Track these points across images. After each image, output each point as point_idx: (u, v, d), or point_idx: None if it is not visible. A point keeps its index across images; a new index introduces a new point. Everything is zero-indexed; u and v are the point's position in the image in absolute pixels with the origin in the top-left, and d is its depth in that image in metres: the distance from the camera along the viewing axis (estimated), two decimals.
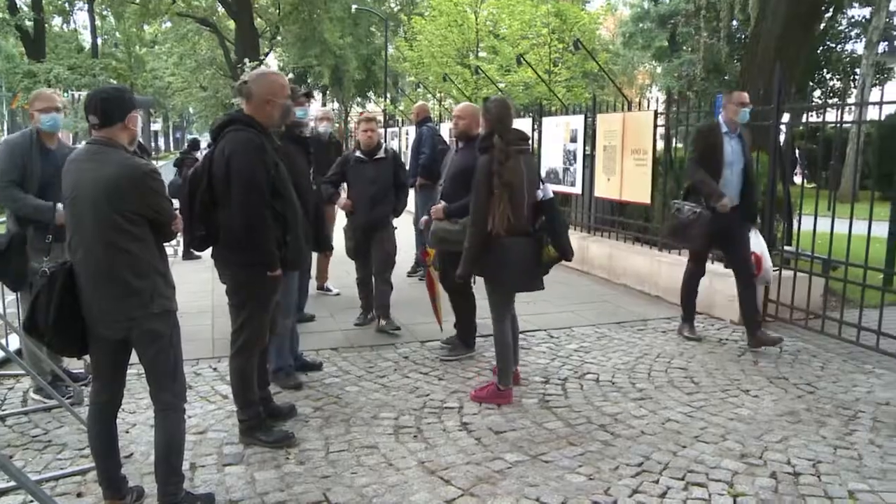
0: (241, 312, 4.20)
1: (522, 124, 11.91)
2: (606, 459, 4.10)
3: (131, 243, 3.22)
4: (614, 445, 4.29)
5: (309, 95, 5.92)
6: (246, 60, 22.54)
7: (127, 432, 4.40)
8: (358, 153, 6.71)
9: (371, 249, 6.69)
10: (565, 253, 4.88)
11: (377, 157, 6.68)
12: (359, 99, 50.23)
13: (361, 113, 8.68)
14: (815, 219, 7.24)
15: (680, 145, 10.05)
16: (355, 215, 6.68)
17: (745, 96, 6.45)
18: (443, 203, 5.64)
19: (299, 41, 39.02)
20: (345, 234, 6.82)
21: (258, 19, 37.59)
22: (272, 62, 43.20)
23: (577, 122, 10.35)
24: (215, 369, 5.64)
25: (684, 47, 31.18)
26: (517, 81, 21.65)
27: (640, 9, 35.22)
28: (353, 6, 39.10)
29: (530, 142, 5.72)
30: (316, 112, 8.34)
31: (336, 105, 49.22)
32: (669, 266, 8.31)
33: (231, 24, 36.96)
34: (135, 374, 4.73)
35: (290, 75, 39.19)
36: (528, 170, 4.87)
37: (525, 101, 20.09)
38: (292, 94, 4.72)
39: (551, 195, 4.95)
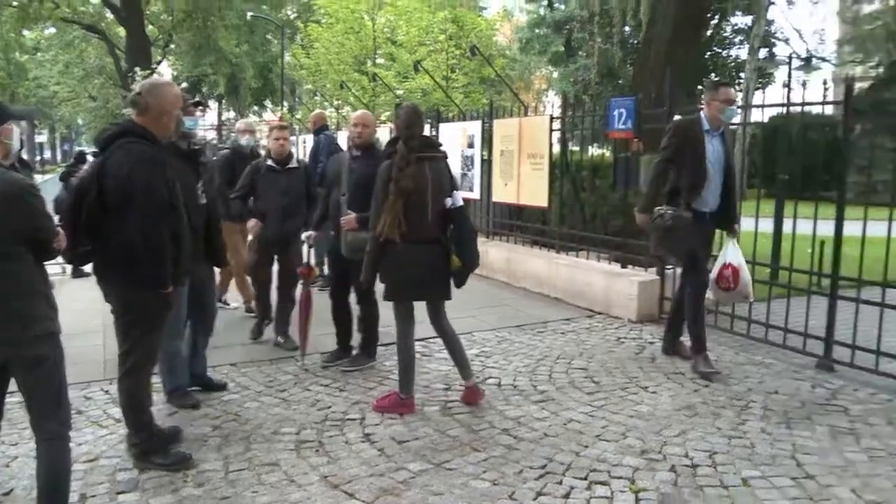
0: (130, 333, 4.02)
1: None
2: (510, 463, 4.11)
3: (9, 263, 3.05)
4: (518, 449, 4.30)
5: (199, 104, 5.70)
6: (137, 69, 21.84)
7: (7, 466, 4.14)
8: (270, 162, 6.47)
9: (277, 263, 6.54)
10: (469, 263, 4.84)
11: (290, 166, 6.49)
12: (255, 108, 49.39)
13: (281, 118, 8.51)
14: None
15: (576, 148, 10.22)
16: (265, 227, 6.40)
17: (732, 93, 5.85)
18: (352, 214, 5.54)
19: (193, 49, 38.03)
20: (248, 247, 6.64)
21: (150, 26, 36.40)
22: (165, 71, 42.08)
23: (474, 127, 10.42)
24: (107, 392, 5.39)
25: (579, 52, 31.78)
26: (415, 88, 21.66)
27: (536, 15, 35.72)
28: (249, 14, 38.40)
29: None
30: (238, 125, 8.14)
31: (232, 114, 48.30)
32: (567, 268, 8.45)
33: (121, 30, 35.72)
34: (16, 403, 4.47)
35: (185, 84, 38.31)
36: (435, 177, 4.80)
37: (423, 107, 20.10)
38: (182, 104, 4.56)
39: (461, 203, 4.93)
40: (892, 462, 4.19)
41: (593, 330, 7.15)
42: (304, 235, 6.09)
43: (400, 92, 20.48)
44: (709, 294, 5.98)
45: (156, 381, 4.69)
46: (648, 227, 5.90)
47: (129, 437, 4.20)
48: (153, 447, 4.14)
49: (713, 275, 5.94)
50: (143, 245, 3.74)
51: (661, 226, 5.73)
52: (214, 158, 7.19)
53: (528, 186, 9.07)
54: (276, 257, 6.57)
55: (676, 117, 6.60)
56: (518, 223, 10.10)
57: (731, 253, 5.94)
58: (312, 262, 6.18)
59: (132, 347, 4.02)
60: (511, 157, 9.29)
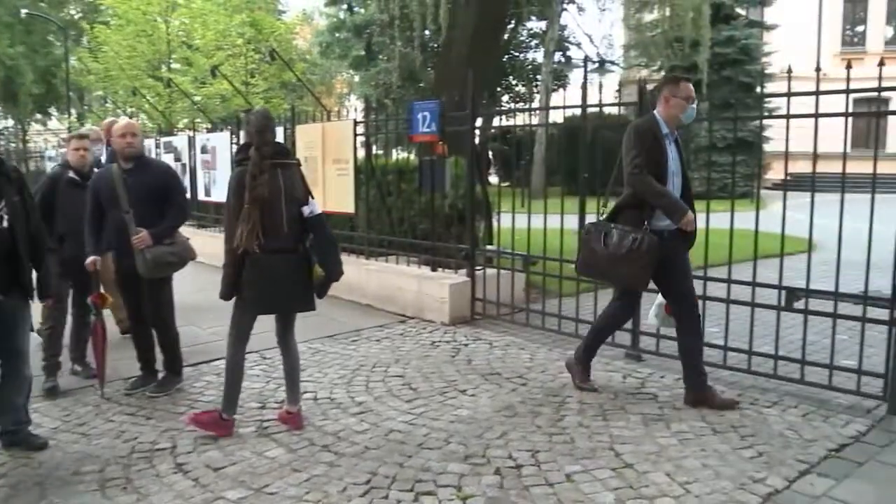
0: None
1: (220, 138, 11.47)
2: (333, 482, 3.92)
3: None
4: (340, 465, 4.13)
5: None
6: None
7: None
8: (71, 174, 5.70)
9: (72, 288, 5.87)
10: (331, 272, 4.61)
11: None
12: (39, 115, 45.97)
13: (69, 128, 7.67)
14: (513, 217, 7.60)
15: (380, 152, 10.15)
16: (63, 248, 5.50)
17: (692, 89, 5.07)
18: (143, 230, 5.12)
19: None
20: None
21: None
22: None
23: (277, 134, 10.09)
24: None
25: (381, 56, 31.91)
26: (213, 94, 20.96)
27: (336, 19, 35.58)
28: (24, 11, 35.61)
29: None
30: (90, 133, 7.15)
31: (10, 122, 44.71)
32: (377, 274, 8.36)
33: None
34: None
35: None
36: (289, 184, 4.54)
37: (222, 114, 19.45)
38: None
39: (319, 212, 4.68)
40: (699, 443, 4.39)
41: (407, 335, 7.09)
42: (87, 262, 5.27)
43: (198, 98, 19.69)
44: (653, 320, 5.46)
45: None
46: (612, 254, 4.94)
47: None
48: None
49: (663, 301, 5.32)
50: None
51: (616, 251, 4.91)
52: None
53: (333, 192, 8.89)
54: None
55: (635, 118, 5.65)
56: None
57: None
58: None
59: None
60: (315, 163, 9.06)
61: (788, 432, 4.54)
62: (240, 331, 4.64)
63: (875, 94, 4.94)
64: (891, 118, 5.16)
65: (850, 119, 5.13)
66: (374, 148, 9.60)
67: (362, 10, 33.22)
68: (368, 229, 9.08)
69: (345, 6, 34.81)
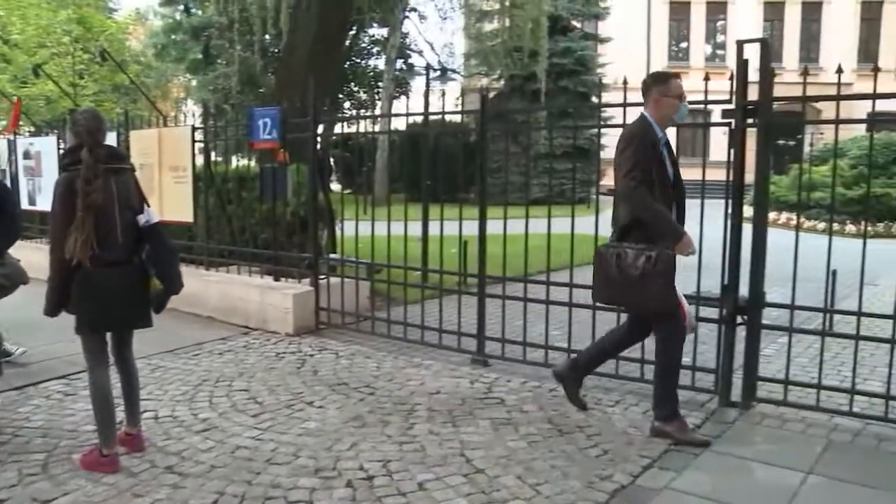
0: None
1: (45, 143, 10.80)
2: None
3: None
4: (185, 487, 3.93)
5: None
6: None
7: None
8: None
9: None
10: (171, 285, 4.29)
11: None
12: None
13: None
14: (357, 224, 7.55)
15: (220, 159, 9.85)
16: None
17: (682, 86, 4.69)
18: None
19: None
20: None
21: None
22: None
23: (108, 139, 9.60)
24: None
25: (219, 60, 31.04)
26: (37, 95, 19.73)
27: (171, 20, 34.28)
28: None
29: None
30: None
31: None
32: (218, 284, 8.10)
33: None
34: None
35: None
36: (122, 191, 4.19)
37: (48, 116, 18.34)
38: None
39: (155, 220, 4.36)
40: (547, 445, 4.48)
41: (251, 347, 6.89)
42: None
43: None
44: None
45: None
46: (628, 276, 4.45)
47: None
48: None
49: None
50: None
51: (631, 273, 4.43)
52: None
53: (171, 201, 8.54)
54: None
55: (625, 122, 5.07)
56: None
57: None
58: None
59: None
60: (151, 170, 8.68)
61: (631, 429, 4.72)
62: (93, 354, 4.24)
63: (701, 106, 5.24)
64: (713, 129, 5.47)
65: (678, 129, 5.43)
66: (213, 155, 9.30)
67: (199, 12, 32.19)
68: (208, 239, 8.79)
69: (181, 7, 33.63)
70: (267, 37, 20.62)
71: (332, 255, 8.01)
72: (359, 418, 4.95)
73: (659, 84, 4.67)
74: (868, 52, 36.24)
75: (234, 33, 22.54)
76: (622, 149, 4.54)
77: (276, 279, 7.92)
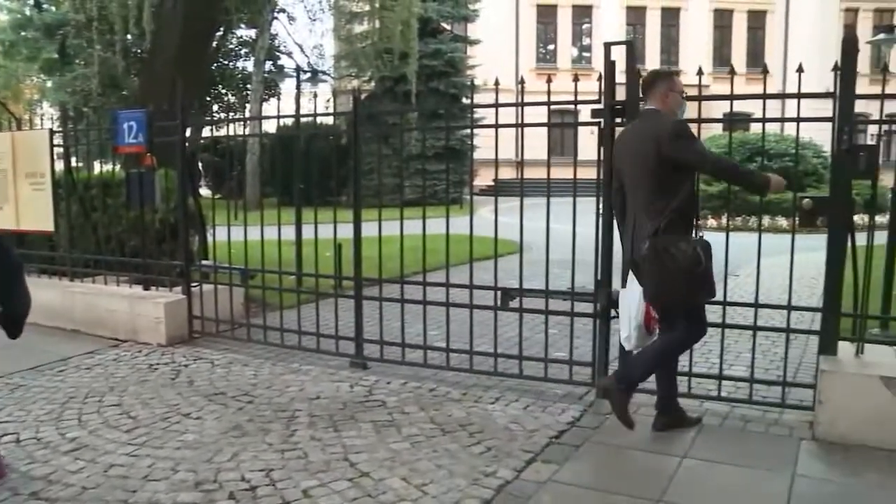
0: None
1: None
2: None
3: None
4: None
5: None
6: None
7: None
8: None
9: None
10: (14, 306, 3.88)
11: None
12: None
13: None
14: (229, 230, 7.38)
15: (81, 164, 9.43)
16: None
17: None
18: None
19: None
20: None
21: None
22: None
23: None
24: None
25: (77, 60, 29.68)
26: None
27: (21, 16, 32.46)
28: None
29: None
30: None
31: None
32: (84, 296, 7.75)
33: None
34: None
35: None
36: None
37: None
38: None
39: None
40: (430, 444, 4.50)
41: (122, 360, 6.62)
42: None
43: None
44: (634, 343, 4.73)
45: None
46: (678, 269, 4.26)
47: None
48: None
49: (643, 318, 4.62)
50: None
51: (692, 267, 4.25)
52: None
53: (29, 210, 8.09)
54: None
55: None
56: (22, 251, 9.00)
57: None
58: None
59: None
60: (5, 177, 8.22)
61: (513, 425, 4.81)
62: None
63: (571, 106, 5.39)
64: (581, 129, 5.63)
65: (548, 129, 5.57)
66: (74, 160, 8.90)
67: (53, 8, 30.65)
68: (71, 248, 8.41)
69: (31, 2, 31.93)
70: (129, 37, 19.83)
71: (204, 262, 7.79)
72: (238, 428, 4.83)
73: (666, 80, 4.64)
74: (722, 56, 38.35)
75: (92, 32, 21.54)
76: (680, 144, 4.33)
77: (147, 288, 7.64)
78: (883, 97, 4.75)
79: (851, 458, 4.28)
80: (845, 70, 4.57)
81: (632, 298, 4.64)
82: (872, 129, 5.36)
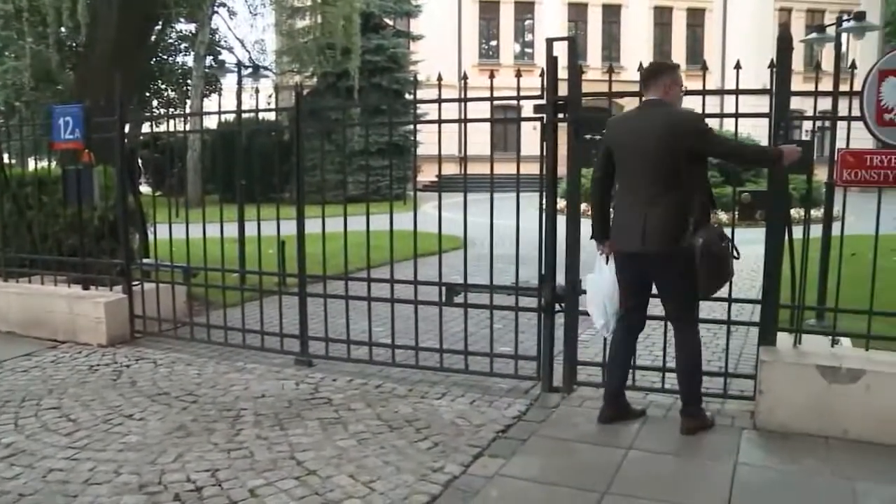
0: None
1: None
2: None
3: None
4: None
5: None
6: None
7: None
8: None
9: None
10: None
11: None
12: None
13: None
14: (170, 227, 7.26)
15: (14, 161, 9.20)
16: None
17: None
18: None
19: None
20: None
21: None
22: None
23: None
24: None
25: (7, 53, 28.83)
26: None
27: None
28: None
29: None
30: None
31: None
32: (19, 297, 7.56)
33: None
34: None
35: None
36: None
37: None
38: None
39: None
40: (377, 441, 4.50)
41: (60, 361, 6.47)
42: None
43: None
44: (612, 327, 4.81)
45: None
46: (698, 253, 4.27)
47: None
48: None
49: (619, 302, 4.73)
50: None
51: (724, 258, 4.40)
52: None
53: None
54: None
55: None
56: None
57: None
58: None
59: None
60: None
61: (459, 420, 4.83)
62: None
63: (514, 102, 5.42)
64: (524, 124, 5.67)
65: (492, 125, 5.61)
66: (6, 157, 8.67)
67: None
68: (5, 248, 8.19)
69: None
70: (63, 29, 19.33)
71: (145, 260, 7.66)
72: (182, 428, 4.77)
73: (670, 72, 4.60)
74: (662, 53, 38.90)
75: (23, 24, 20.97)
76: (707, 138, 4.42)
77: (86, 288, 7.48)
78: (816, 94, 4.90)
79: (790, 446, 4.40)
80: (780, 68, 4.69)
81: (605, 285, 4.71)
82: (808, 125, 5.51)
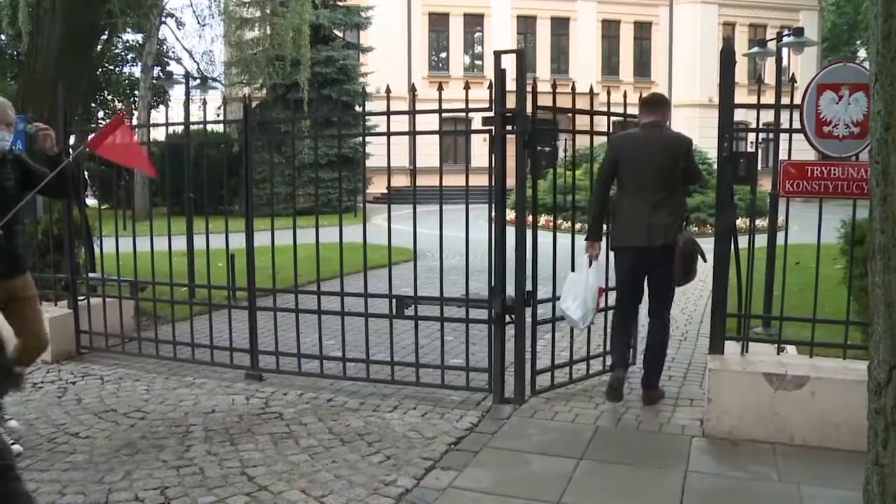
0: None
1: None
2: None
3: None
4: None
5: None
6: None
7: None
8: None
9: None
10: None
11: None
12: None
13: None
14: (117, 241, 7.15)
15: None
16: None
17: None
18: None
19: None
20: None
21: None
22: None
23: None
24: None
25: None
26: None
27: None
28: None
29: None
30: None
31: None
32: None
33: None
34: None
35: None
36: None
37: None
38: None
39: None
40: (329, 455, 4.49)
41: None
42: None
43: None
44: (589, 321, 5.42)
45: None
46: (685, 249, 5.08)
47: None
48: None
49: (597, 301, 5.37)
50: None
51: (697, 255, 5.17)
52: None
53: None
54: None
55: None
56: None
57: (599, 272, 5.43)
58: None
59: None
60: None
61: (411, 433, 4.84)
62: None
63: (462, 114, 5.46)
64: (473, 137, 5.71)
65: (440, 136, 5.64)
66: None
67: None
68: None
69: None
70: (3, 37, 18.93)
71: (91, 275, 7.53)
72: (131, 445, 4.70)
73: (668, 104, 5.59)
74: (610, 65, 39.35)
75: None
76: (692, 157, 5.36)
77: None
78: (759, 107, 5.02)
79: (739, 453, 4.50)
80: (724, 81, 4.80)
81: (583, 283, 5.27)
82: (752, 137, 5.65)
